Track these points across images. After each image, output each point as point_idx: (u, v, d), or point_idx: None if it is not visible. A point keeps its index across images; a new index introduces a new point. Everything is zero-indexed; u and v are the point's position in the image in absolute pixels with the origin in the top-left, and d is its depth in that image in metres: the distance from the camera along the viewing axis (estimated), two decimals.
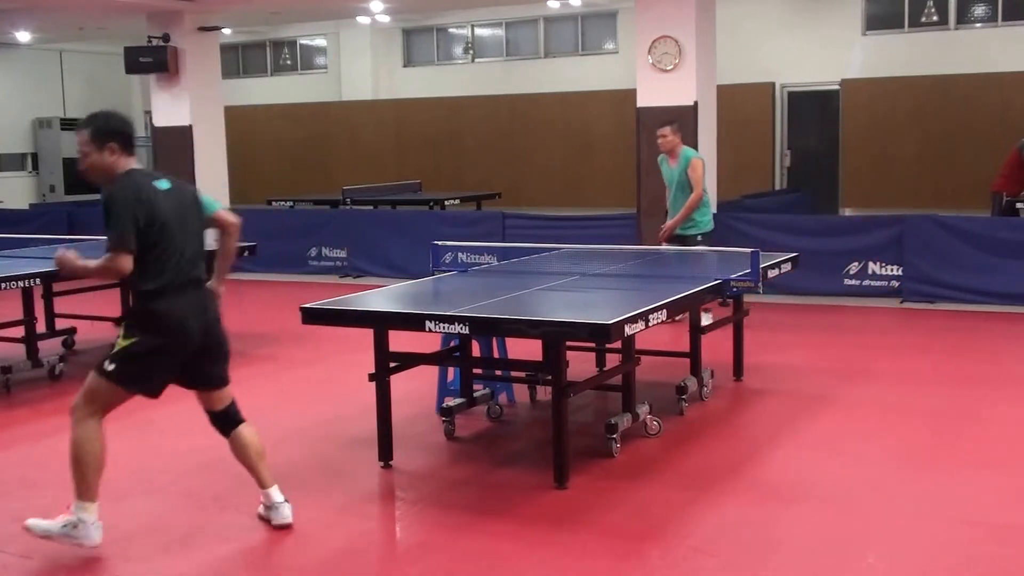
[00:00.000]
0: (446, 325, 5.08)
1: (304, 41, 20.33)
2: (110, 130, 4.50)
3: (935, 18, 15.01)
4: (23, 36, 17.17)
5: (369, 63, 19.28)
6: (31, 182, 19.48)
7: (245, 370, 8.16)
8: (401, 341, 5.70)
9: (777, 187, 15.79)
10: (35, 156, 19.47)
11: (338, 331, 7.07)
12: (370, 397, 5.64)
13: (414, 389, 6.77)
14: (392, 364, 5.63)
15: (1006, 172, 11.54)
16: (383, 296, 6.39)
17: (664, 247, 8.78)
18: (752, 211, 11.61)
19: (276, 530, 4.76)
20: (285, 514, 4.73)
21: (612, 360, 6.66)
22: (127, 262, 4.38)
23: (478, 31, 18.79)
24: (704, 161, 9.15)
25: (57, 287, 8.81)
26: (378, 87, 19.29)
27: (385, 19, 17.50)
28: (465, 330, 5.12)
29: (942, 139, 14.63)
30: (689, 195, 8.86)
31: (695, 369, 6.76)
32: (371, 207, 14.34)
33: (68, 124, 19.32)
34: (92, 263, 4.56)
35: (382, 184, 16.42)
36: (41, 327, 8.40)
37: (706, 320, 8.17)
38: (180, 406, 7.20)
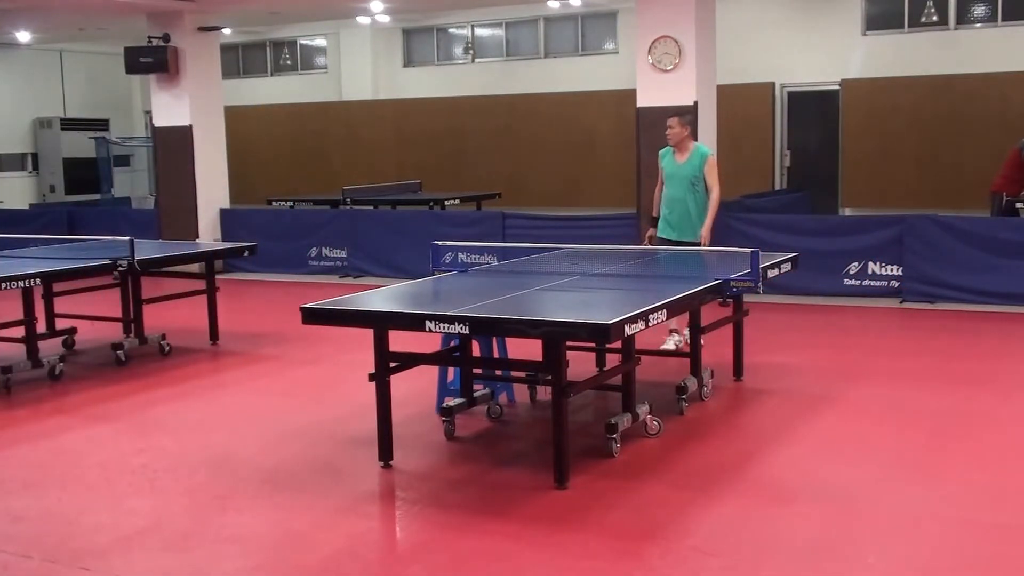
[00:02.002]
0: (446, 325, 5.08)
1: (304, 41, 20.32)
2: None
3: (935, 18, 14.99)
4: (23, 36, 17.16)
5: (369, 63, 19.27)
6: (31, 182, 19.47)
7: (245, 370, 8.18)
8: (401, 341, 5.70)
9: (777, 187, 15.78)
10: (35, 156, 19.47)
11: (338, 331, 7.08)
12: (370, 397, 5.64)
13: (414, 389, 6.78)
14: (392, 364, 5.63)
15: (1006, 172, 11.54)
16: (383, 296, 6.38)
17: (661, 247, 8.18)
18: (752, 211, 11.61)
19: (276, 530, 4.76)
20: None
21: (612, 360, 6.67)
22: None
23: (478, 31, 18.79)
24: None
25: (57, 287, 8.83)
26: (378, 87, 19.29)
27: (385, 19, 17.50)
28: (465, 330, 5.12)
29: (942, 139, 14.61)
30: (696, 193, 8.13)
31: (695, 369, 6.76)
32: (371, 207, 14.33)
33: (68, 124, 19.33)
34: None
35: (382, 184, 16.42)
36: (41, 327, 8.40)
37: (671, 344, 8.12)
38: (190, 403, 7.25)
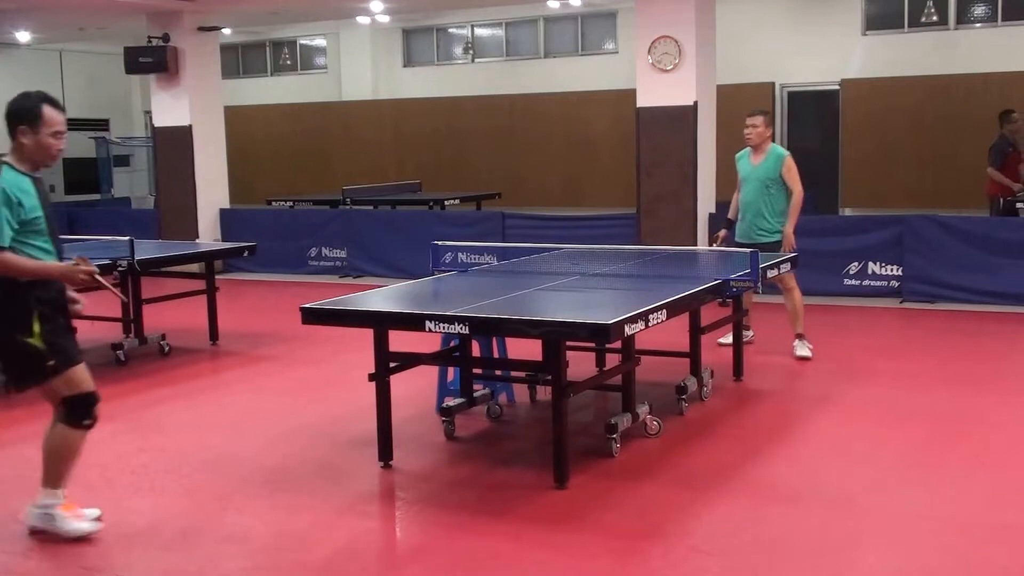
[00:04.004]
0: (446, 325, 5.08)
1: (304, 41, 20.32)
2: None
3: (935, 18, 15.00)
4: (23, 36, 17.17)
5: (369, 63, 19.28)
6: None
7: (245, 370, 8.18)
8: (401, 341, 5.70)
9: None
10: None
11: (338, 331, 7.08)
12: (370, 397, 5.64)
13: (414, 389, 6.78)
14: (392, 364, 5.63)
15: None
16: (383, 296, 6.39)
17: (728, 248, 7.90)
18: None
19: (276, 530, 4.76)
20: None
21: (612, 360, 6.66)
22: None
23: (478, 31, 18.79)
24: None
25: None
26: (378, 87, 19.29)
27: (385, 19, 17.49)
28: (465, 330, 5.12)
29: (942, 139, 14.61)
30: (771, 195, 7.99)
31: (695, 369, 6.76)
32: (371, 207, 14.34)
33: (68, 124, 19.24)
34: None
35: (382, 184, 16.42)
36: None
37: None
38: (190, 403, 7.25)
